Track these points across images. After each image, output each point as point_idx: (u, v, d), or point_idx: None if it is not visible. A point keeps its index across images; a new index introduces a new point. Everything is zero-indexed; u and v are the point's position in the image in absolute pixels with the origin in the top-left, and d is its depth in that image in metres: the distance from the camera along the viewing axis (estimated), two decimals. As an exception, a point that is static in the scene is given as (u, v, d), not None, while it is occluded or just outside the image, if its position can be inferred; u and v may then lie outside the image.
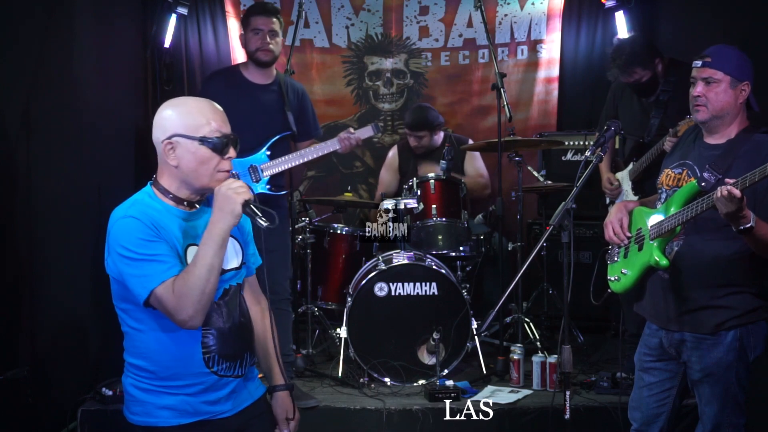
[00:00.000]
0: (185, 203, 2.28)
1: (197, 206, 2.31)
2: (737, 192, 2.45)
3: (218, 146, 2.21)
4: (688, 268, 2.80)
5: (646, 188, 4.15)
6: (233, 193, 2.14)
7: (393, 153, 5.52)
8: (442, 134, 5.33)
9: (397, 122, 5.95)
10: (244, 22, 4.20)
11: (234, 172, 2.29)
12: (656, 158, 3.99)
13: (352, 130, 4.20)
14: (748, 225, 2.52)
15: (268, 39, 4.10)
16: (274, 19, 4.14)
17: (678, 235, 2.81)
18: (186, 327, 2.16)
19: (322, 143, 4.19)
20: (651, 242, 2.83)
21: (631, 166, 4.30)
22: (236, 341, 2.32)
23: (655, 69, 4.09)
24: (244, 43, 4.19)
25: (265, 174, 4.04)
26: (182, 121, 2.21)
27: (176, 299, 2.11)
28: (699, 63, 2.83)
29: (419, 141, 5.25)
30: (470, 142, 5.34)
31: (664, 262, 2.77)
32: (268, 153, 4.06)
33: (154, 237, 2.16)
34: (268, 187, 4.02)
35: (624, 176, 4.35)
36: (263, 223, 2.17)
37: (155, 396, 2.26)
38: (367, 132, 4.22)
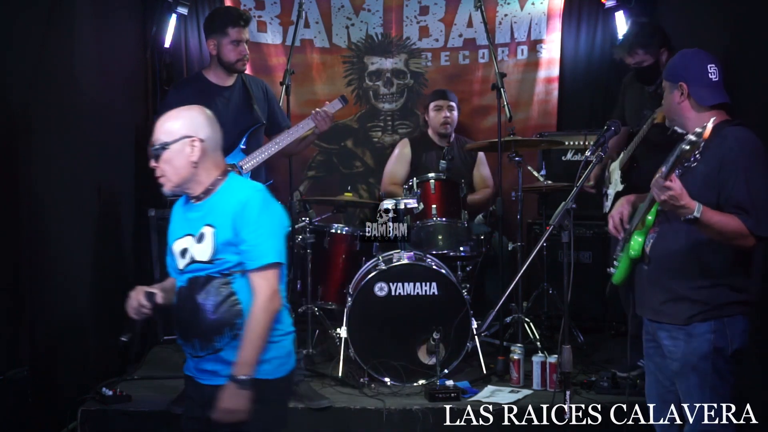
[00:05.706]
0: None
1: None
2: (662, 181, 2.50)
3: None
4: (661, 260, 2.82)
5: (632, 177, 4.21)
6: None
7: (405, 146, 5.45)
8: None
9: (397, 122, 5.94)
10: (215, 28, 4.11)
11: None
12: (638, 147, 4.08)
13: (326, 103, 4.33)
14: (691, 216, 2.56)
15: (246, 50, 4.10)
16: (248, 27, 4.17)
17: (653, 227, 2.83)
18: None
19: (295, 125, 4.26)
20: (633, 234, 2.87)
21: (621, 155, 4.31)
22: (184, 327, 2.64)
23: (659, 57, 4.07)
24: (217, 51, 4.13)
25: (245, 170, 4.11)
26: None
27: None
28: None
29: (450, 113, 5.29)
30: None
31: (632, 252, 2.82)
32: (243, 148, 4.13)
33: None
34: None
35: (615, 167, 4.37)
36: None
37: None
38: (336, 105, 4.37)
